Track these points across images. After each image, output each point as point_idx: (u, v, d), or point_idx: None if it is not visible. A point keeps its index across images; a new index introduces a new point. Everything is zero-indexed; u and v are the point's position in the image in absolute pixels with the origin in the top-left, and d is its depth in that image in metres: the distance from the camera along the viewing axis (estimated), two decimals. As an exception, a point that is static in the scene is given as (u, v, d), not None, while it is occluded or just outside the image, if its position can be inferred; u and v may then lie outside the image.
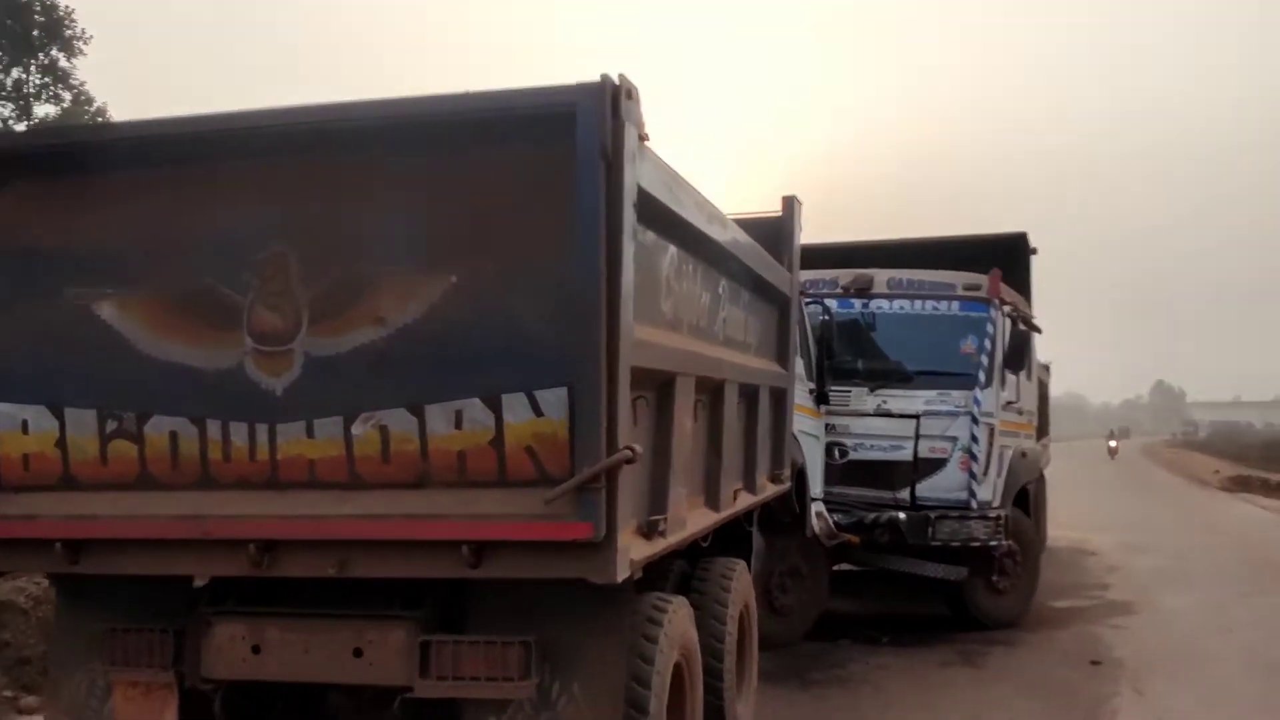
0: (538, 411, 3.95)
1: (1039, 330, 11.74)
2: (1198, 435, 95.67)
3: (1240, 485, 33.31)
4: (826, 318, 9.89)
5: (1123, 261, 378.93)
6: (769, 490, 7.60)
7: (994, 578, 10.30)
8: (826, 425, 10.06)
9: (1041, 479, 16.46)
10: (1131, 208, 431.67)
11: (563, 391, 3.91)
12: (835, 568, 10.61)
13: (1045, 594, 12.21)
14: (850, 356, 10.37)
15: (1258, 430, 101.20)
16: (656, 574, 6.11)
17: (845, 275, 10.50)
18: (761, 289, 7.30)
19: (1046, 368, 19.08)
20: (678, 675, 5.18)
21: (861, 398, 10.12)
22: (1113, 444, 56.52)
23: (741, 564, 6.69)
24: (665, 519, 4.70)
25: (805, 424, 9.58)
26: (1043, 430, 16.53)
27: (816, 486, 9.79)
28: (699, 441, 5.65)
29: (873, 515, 9.75)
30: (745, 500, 6.70)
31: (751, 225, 8.12)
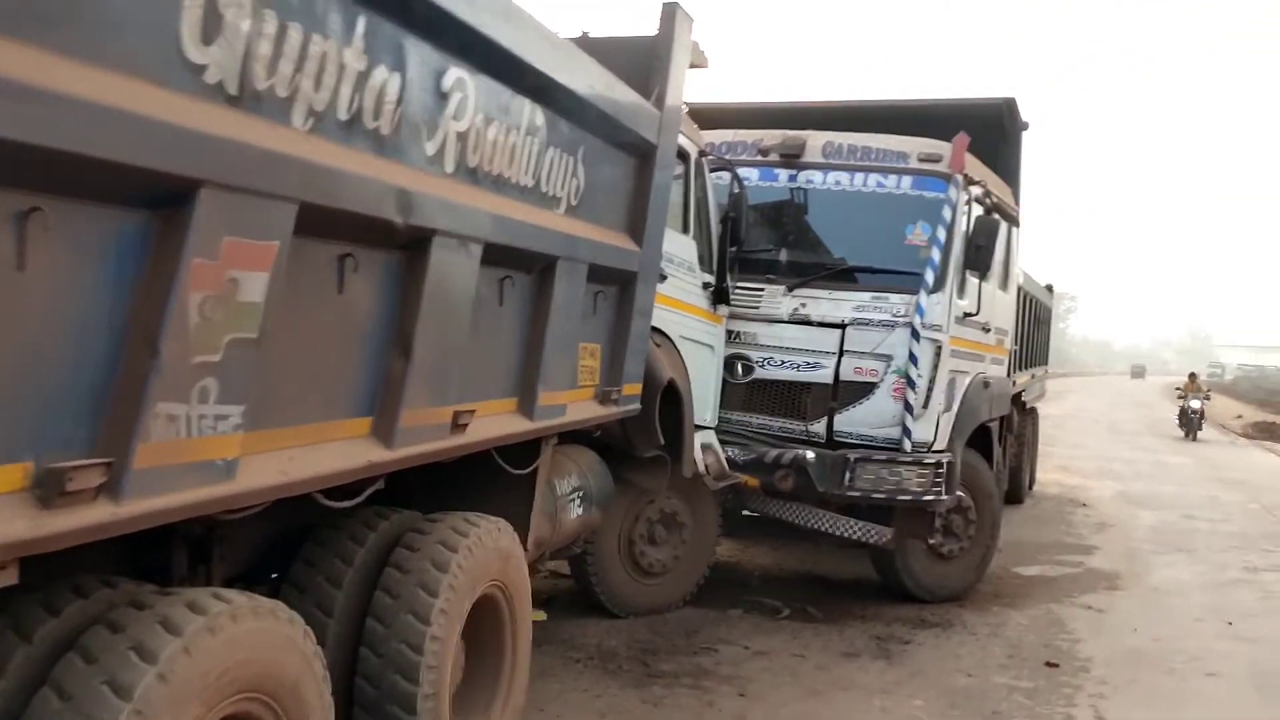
0: None
1: (1016, 222, 9.24)
2: (1223, 378, 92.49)
3: (1263, 433, 30.83)
4: (737, 190, 7.49)
5: (1161, 200, 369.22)
6: (581, 414, 5.30)
7: (935, 540, 8.01)
8: (728, 332, 7.72)
9: (1030, 416, 14.19)
10: (1179, 144, 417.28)
11: None
12: (743, 513, 8.34)
13: (1012, 556, 9.99)
14: (765, 243, 7.99)
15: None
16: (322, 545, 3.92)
17: (770, 136, 8.05)
18: (593, 122, 4.96)
19: (1051, 288, 16.66)
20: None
21: (775, 298, 7.74)
22: (1194, 405, 27.99)
23: (494, 525, 4.40)
24: (129, 462, 2.39)
25: (696, 328, 7.28)
26: (1034, 359, 14.14)
27: (707, 411, 7.49)
28: (340, 326, 3.33)
29: (775, 452, 7.44)
30: (499, 429, 4.38)
31: (612, 49, 5.85)
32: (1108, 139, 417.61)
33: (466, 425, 3.95)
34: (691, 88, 6.74)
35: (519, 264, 4.45)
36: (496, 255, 4.15)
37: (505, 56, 3.97)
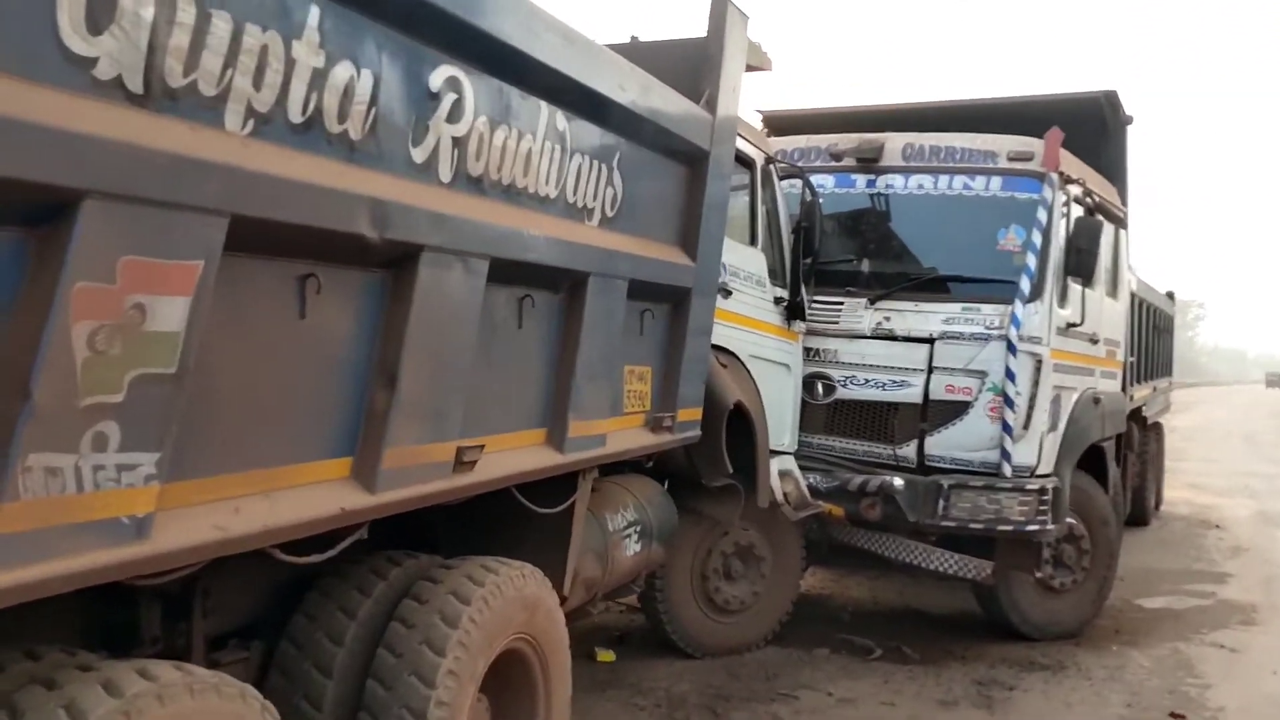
0: None
1: (1124, 224, 8.47)
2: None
3: None
4: (810, 198, 6.96)
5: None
6: (627, 443, 4.84)
7: (1044, 573, 7.29)
8: (806, 350, 7.17)
9: (1153, 432, 13.22)
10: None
11: None
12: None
13: (1134, 585, 9.18)
14: (844, 253, 7.43)
15: None
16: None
17: (845, 140, 7.50)
18: (629, 127, 4.57)
19: (1172, 295, 15.61)
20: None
21: (856, 312, 7.16)
22: None
23: (517, 571, 3.95)
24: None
25: (768, 346, 6.76)
26: (1156, 370, 13.19)
27: (785, 435, 6.96)
28: (305, 357, 2.93)
29: (861, 479, 6.85)
30: (522, 464, 3.95)
31: (661, 52, 5.49)
32: (1229, 138, 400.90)
33: (474, 462, 3.51)
34: (759, 92, 6.31)
35: (541, 282, 4.02)
36: (510, 272, 3.73)
37: (507, 53, 3.56)
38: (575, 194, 4.20)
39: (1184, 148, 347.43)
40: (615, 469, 5.46)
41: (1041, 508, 6.66)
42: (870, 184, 7.40)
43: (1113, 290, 8.33)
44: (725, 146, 5.62)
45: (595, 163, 4.33)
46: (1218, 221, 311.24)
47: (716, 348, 6.14)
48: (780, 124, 8.62)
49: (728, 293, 6.20)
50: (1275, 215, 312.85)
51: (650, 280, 4.88)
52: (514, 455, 3.85)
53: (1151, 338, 12.82)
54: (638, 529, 5.42)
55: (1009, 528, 6.67)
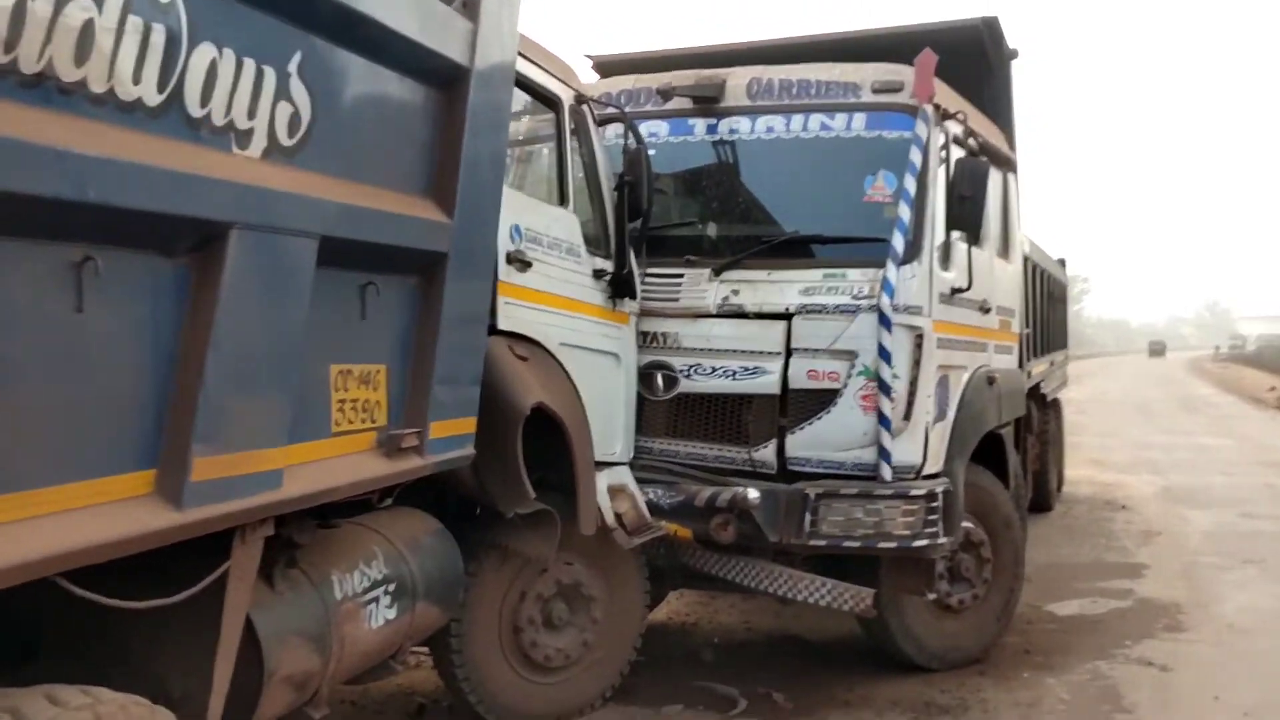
0: None
1: (1013, 168, 7.28)
2: (1245, 350, 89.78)
3: (1304, 404, 28.67)
4: (635, 147, 5.58)
5: (1170, 170, 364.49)
6: (336, 478, 3.39)
7: (937, 592, 6.04)
8: (641, 334, 5.82)
9: (1052, 409, 12.22)
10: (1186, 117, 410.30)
11: None
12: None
13: (1043, 586, 8.05)
14: (682, 215, 6.09)
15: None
16: None
17: (679, 78, 6.14)
18: (311, 16, 3.11)
19: (1063, 263, 14.69)
20: None
21: (699, 285, 5.81)
22: None
23: (75, 712, 2.46)
24: None
25: (586, 332, 5.41)
26: (1052, 343, 12.18)
27: (616, 441, 5.61)
28: None
29: (709, 492, 5.50)
30: (85, 534, 2.45)
31: None
32: (1105, 111, 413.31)
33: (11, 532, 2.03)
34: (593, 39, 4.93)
35: (126, 237, 2.55)
36: (40, 220, 2.27)
37: None
38: (206, 105, 2.76)
39: (1054, 105, 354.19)
40: (356, 507, 4.02)
41: (930, 517, 5.38)
42: (711, 130, 6.05)
43: (1004, 250, 7.12)
44: (499, 66, 4.23)
45: (249, 63, 2.90)
46: (1092, 190, 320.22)
47: (513, 335, 4.77)
48: (612, 69, 7.23)
49: (526, 264, 4.83)
50: (1150, 182, 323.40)
51: (367, 240, 3.45)
52: (65, 521, 2.36)
53: (1046, 307, 11.77)
54: (390, 587, 3.97)
55: (892, 545, 5.38)
